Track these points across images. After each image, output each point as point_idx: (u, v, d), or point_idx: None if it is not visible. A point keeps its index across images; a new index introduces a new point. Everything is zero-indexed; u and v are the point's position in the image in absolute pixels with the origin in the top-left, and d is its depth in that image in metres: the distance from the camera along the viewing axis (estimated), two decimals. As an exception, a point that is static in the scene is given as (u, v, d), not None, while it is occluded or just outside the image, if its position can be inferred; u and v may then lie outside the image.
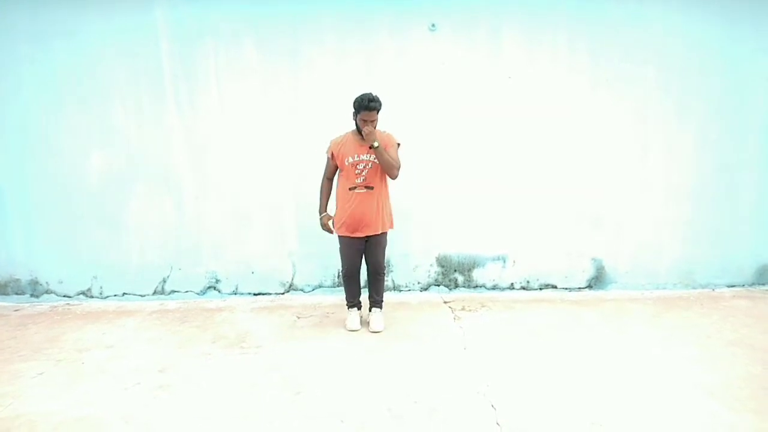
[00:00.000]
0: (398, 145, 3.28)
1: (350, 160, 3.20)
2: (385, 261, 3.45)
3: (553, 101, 4.07)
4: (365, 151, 3.17)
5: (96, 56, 3.96)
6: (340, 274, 3.44)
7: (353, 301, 3.54)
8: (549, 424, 2.25)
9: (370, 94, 3.05)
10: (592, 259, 4.27)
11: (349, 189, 3.24)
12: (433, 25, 3.96)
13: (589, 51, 4.01)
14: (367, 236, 3.30)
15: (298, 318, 3.72)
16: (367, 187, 3.22)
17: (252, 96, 4.03)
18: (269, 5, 3.91)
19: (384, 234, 3.38)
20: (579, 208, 4.19)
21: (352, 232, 3.28)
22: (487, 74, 4.03)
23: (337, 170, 3.34)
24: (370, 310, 3.52)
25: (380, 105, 3.10)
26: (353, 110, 3.13)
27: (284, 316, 3.74)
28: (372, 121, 3.06)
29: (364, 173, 3.21)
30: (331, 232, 3.39)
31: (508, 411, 2.35)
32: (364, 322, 3.52)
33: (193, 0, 3.90)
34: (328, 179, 3.41)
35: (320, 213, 3.42)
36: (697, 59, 4.04)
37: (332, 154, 3.27)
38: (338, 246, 3.40)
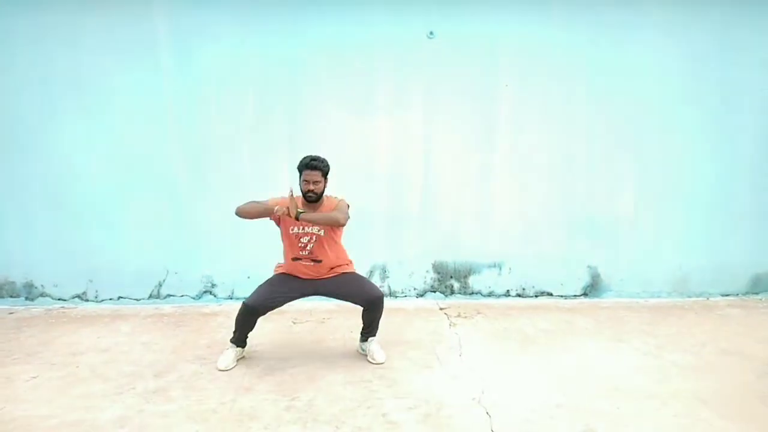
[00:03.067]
0: (348, 206, 2.89)
1: (294, 230, 2.84)
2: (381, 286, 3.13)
3: (550, 109, 4.11)
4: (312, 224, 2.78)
5: (94, 58, 3.96)
6: (241, 307, 2.92)
7: (241, 338, 2.97)
8: (543, 431, 2.26)
9: (314, 155, 2.82)
10: (588, 266, 4.30)
11: (293, 259, 2.90)
12: (431, 33, 4.00)
13: (586, 58, 4.06)
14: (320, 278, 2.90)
15: (294, 323, 3.72)
16: (314, 261, 2.89)
17: (250, 101, 4.05)
18: (269, 13, 3.94)
19: (350, 270, 3.01)
20: (575, 216, 4.22)
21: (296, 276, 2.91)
22: (484, 81, 4.07)
23: (272, 216, 2.81)
24: (366, 341, 3.06)
25: (326, 166, 2.81)
26: (298, 175, 2.84)
27: (280, 322, 3.73)
28: (315, 182, 2.77)
29: (309, 247, 2.86)
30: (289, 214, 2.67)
31: (503, 418, 2.35)
32: (361, 356, 3.07)
33: (192, 6, 3.92)
34: (258, 207, 2.80)
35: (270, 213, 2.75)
36: (693, 69, 4.10)
37: (275, 212, 2.71)
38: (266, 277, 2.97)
